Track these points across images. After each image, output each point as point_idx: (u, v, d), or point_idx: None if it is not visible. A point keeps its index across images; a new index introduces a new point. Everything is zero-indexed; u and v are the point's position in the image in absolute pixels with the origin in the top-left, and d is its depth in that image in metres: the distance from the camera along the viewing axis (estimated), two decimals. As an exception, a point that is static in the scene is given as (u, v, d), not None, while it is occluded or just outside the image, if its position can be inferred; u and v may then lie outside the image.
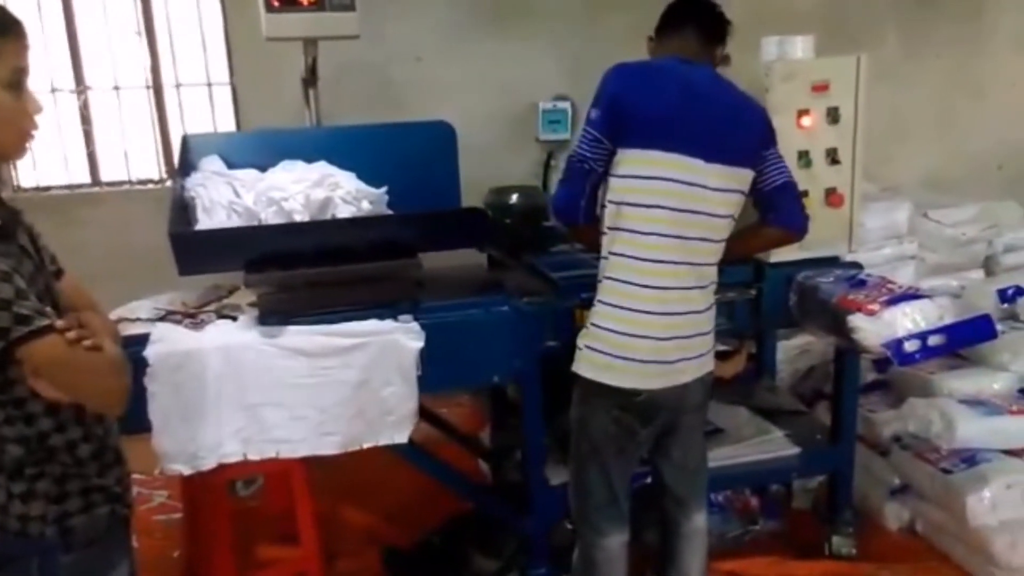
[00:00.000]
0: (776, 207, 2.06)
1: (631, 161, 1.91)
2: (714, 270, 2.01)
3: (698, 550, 2.19)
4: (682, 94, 1.92)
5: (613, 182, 1.95)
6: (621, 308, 1.93)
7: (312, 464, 2.32)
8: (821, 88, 2.30)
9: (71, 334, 1.26)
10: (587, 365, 1.98)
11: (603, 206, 1.99)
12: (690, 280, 1.94)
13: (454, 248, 2.53)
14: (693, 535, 2.16)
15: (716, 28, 2.05)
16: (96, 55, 3.90)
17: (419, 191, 2.51)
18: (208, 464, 2.13)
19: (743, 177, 1.98)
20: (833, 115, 2.33)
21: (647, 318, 1.92)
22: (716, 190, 1.92)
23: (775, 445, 2.65)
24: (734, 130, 1.95)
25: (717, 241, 1.98)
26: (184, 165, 2.47)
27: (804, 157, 2.35)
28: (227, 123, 4.00)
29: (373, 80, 3.91)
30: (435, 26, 4.01)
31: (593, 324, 1.98)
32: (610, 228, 1.96)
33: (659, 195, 1.89)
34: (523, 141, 4.11)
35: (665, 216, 1.89)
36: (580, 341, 2.01)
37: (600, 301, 1.98)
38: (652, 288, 1.91)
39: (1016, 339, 2.99)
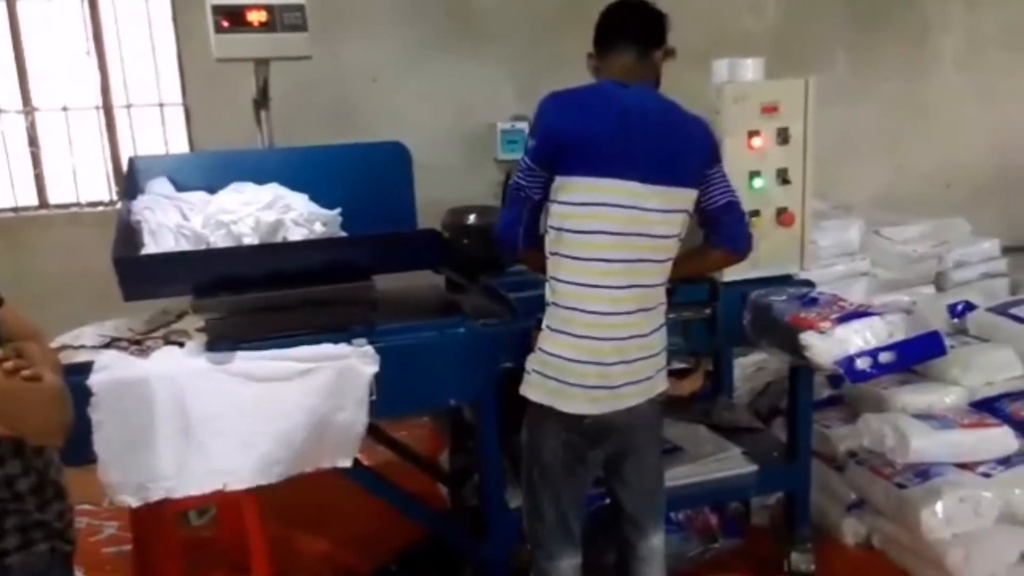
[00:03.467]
0: (718, 227, 2.05)
1: (569, 188, 1.90)
2: (661, 292, 2.01)
3: (655, 572, 2.17)
4: (619, 118, 1.90)
5: (553, 208, 1.94)
6: (566, 334, 1.93)
7: (267, 491, 2.27)
8: (771, 109, 2.33)
9: (8, 364, 1.22)
10: (535, 389, 1.98)
11: (546, 232, 1.99)
12: (634, 304, 1.94)
13: (409, 270, 2.51)
14: (650, 556, 2.15)
15: (650, 31, 2.00)
16: (44, 75, 3.83)
17: (374, 213, 2.48)
18: (155, 496, 2.07)
19: (685, 197, 1.97)
20: (783, 136, 2.36)
21: (593, 344, 1.91)
22: (656, 211, 1.91)
23: (733, 463, 2.65)
24: (675, 151, 1.95)
25: (662, 261, 1.97)
26: (131, 188, 2.42)
27: (755, 177, 2.37)
28: (180, 144, 3.95)
29: (329, 101, 3.90)
30: (391, 47, 4.01)
31: (540, 349, 1.97)
32: (552, 253, 1.96)
33: (598, 220, 1.89)
34: (482, 161, 4.11)
35: (605, 241, 1.89)
36: (528, 365, 2.00)
37: (547, 326, 1.97)
38: (596, 314, 1.91)
39: (966, 354, 3.05)
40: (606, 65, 2.03)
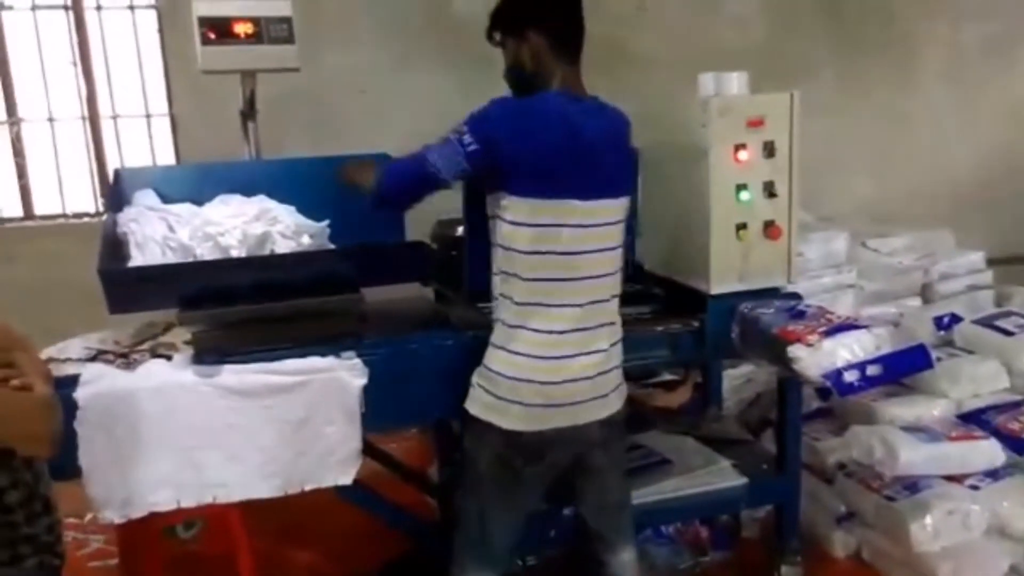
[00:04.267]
0: None
1: (517, 208, 1.85)
2: (614, 305, 2.00)
3: None
4: (568, 138, 1.84)
5: (501, 227, 1.90)
6: (509, 352, 1.91)
7: (253, 503, 2.25)
8: (756, 123, 2.33)
9: None
10: (475, 403, 1.97)
11: (494, 245, 1.95)
12: (588, 321, 1.92)
13: (397, 282, 2.50)
14: (622, 572, 2.13)
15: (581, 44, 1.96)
16: (29, 85, 3.81)
17: (362, 225, 2.46)
18: (140, 512, 2.05)
19: (627, 206, 2.00)
20: (769, 149, 2.36)
21: (534, 363, 1.89)
22: (604, 225, 1.91)
23: (722, 475, 2.64)
24: (619, 163, 1.96)
25: (613, 274, 1.98)
26: (116, 199, 2.40)
27: (742, 190, 2.38)
28: (167, 155, 3.93)
29: (316, 112, 3.89)
30: (377, 58, 4.01)
31: (484, 364, 1.96)
32: (502, 271, 1.93)
33: (547, 242, 1.85)
34: (470, 173, 4.10)
35: (557, 261, 1.87)
36: (473, 378, 1.99)
37: (492, 343, 1.96)
38: (542, 332, 1.88)
39: (953, 366, 3.06)
40: (558, 69, 1.94)
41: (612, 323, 1.99)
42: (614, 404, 2.02)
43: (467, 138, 1.86)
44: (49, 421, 1.30)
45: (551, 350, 1.89)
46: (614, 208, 1.94)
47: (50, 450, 1.32)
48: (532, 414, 1.91)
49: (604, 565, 2.13)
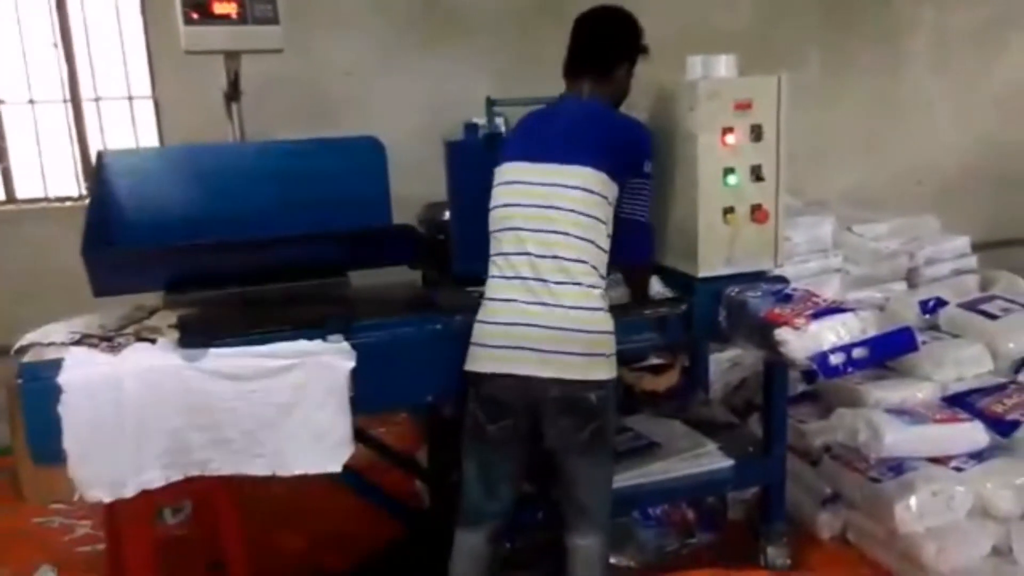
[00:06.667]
0: (616, 238, 2.15)
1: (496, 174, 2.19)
2: (568, 268, 2.05)
3: (578, 570, 2.19)
4: (538, 117, 2.22)
5: None
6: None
7: (242, 487, 2.24)
8: (744, 106, 2.33)
9: None
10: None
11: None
12: (519, 270, 2.06)
13: (384, 265, 2.49)
14: (575, 554, 2.19)
15: (604, 60, 2.22)
16: (10, 67, 3.76)
17: (348, 208, 2.45)
18: (128, 492, 2.03)
19: (586, 176, 2.06)
20: (756, 132, 2.35)
21: (483, 304, 2.13)
22: (542, 185, 2.08)
23: (709, 458, 2.66)
24: (580, 133, 2.12)
25: (564, 233, 2.05)
26: (99, 182, 2.37)
27: (729, 174, 2.37)
28: (150, 138, 3.89)
29: (302, 94, 3.85)
30: (366, 40, 3.98)
31: None
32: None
33: (499, 196, 2.15)
34: (457, 157, 4.07)
35: (497, 213, 2.14)
36: None
37: None
38: (493, 277, 2.13)
39: (938, 349, 3.08)
40: (566, 81, 2.26)
41: (562, 284, 2.04)
42: (565, 370, 2.03)
43: None
44: None
45: (491, 292, 2.13)
46: (558, 172, 2.07)
47: None
48: (471, 352, 2.12)
49: (565, 548, 2.19)
